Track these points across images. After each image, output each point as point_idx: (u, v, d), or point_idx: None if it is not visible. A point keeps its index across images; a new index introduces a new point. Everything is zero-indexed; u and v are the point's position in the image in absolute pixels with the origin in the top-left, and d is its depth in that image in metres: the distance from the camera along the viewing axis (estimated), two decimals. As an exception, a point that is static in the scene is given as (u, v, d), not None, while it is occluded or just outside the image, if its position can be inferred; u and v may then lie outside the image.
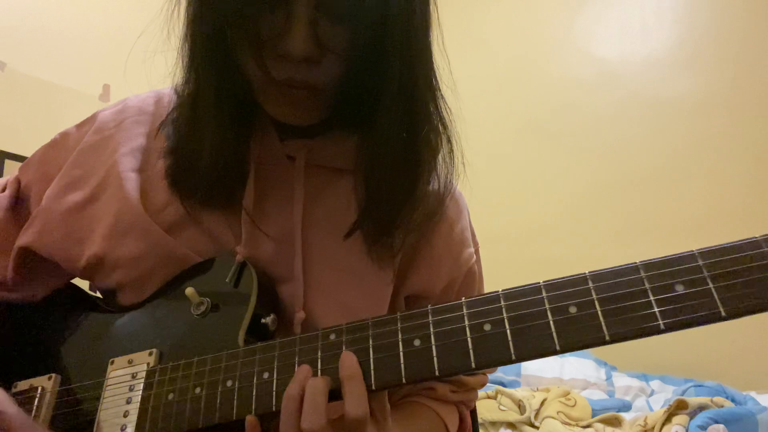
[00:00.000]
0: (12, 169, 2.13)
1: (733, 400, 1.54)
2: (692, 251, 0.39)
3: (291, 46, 0.48)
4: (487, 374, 0.73)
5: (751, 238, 0.38)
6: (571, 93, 2.64)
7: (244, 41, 0.50)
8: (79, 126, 0.67)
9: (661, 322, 0.38)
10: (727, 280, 0.37)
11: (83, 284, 0.68)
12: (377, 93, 0.53)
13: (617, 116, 2.48)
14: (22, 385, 0.59)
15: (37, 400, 0.57)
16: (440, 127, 0.58)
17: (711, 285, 0.38)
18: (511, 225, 2.60)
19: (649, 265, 0.40)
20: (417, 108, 0.55)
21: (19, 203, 0.67)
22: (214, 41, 0.52)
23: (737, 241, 0.38)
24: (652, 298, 0.39)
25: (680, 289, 0.38)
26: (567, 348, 0.40)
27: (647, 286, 0.39)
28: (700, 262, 0.39)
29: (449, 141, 0.59)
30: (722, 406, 1.43)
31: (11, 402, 0.54)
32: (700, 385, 1.61)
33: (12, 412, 0.52)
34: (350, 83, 0.53)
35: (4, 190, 0.67)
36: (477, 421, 0.77)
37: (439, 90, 0.57)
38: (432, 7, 0.55)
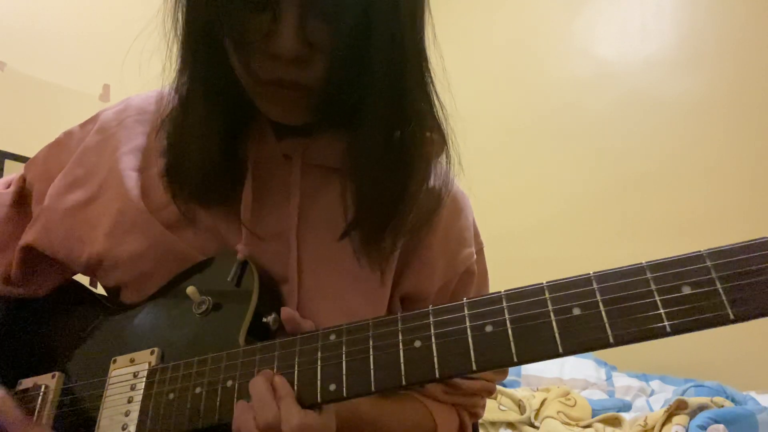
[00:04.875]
0: (12, 169, 2.13)
1: (733, 400, 1.54)
2: (700, 252, 0.38)
3: (280, 47, 0.48)
4: (495, 381, 0.71)
5: (761, 238, 0.37)
6: (571, 93, 2.64)
7: (232, 42, 0.50)
8: (83, 125, 0.68)
9: (666, 324, 0.37)
10: (736, 282, 0.36)
11: (85, 281, 0.69)
12: (366, 91, 0.53)
13: (617, 116, 2.48)
14: (26, 383, 0.59)
15: (40, 398, 0.57)
16: (434, 126, 0.58)
17: (719, 286, 0.36)
18: (510, 224, 2.60)
19: (655, 266, 0.39)
20: (405, 106, 0.54)
21: (23, 200, 0.68)
22: (204, 43, 0.52)
23: (746, 242, 0.37)
24: (657, 299, 0.38)
25: (687, 290, 0.37)
26: (570, 350, 0.39)
27: (653, 287, 0.38)
28: (708, 263, 0.37)
29: (444, 140, 0.59)
30: (722, 406, 1.43)
31: (9, 399, 0.55)
32: (700, 385, 1.61)
33: (9, 409, 0.53)
34: (340, 82, 0.52)
35: (8, 187, 0.68)
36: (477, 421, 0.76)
37: (433, 87, 0.56)
38: (424, 4, 0.54)
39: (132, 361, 0.56)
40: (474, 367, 0.42)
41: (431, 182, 0.62)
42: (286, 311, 0.52)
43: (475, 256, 0.68)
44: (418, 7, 0.54)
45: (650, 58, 2.43)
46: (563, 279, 0.42)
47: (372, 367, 0.45)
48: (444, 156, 0.60)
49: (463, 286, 0.68)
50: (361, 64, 0.51)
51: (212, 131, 0.56)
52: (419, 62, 0.55)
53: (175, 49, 0.55)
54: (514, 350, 0.41)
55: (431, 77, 0.56)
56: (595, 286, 0.40)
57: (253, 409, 0.45)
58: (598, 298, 0.40)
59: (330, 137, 0.61)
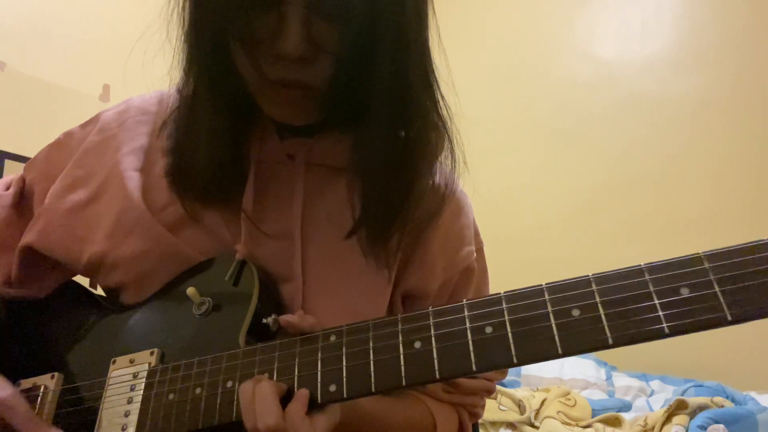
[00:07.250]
0: (12, 169, 2.13)
1: (733, 400, 1.54)
2: (698, 254, 0.38)
3: (285, 46, 0.48)
4: (495, 381, 0.72)
5: (758, 241, 0.37)
6: (571, 93, 2.64)
7: (239, 42, 0.50)
8: (83, 126, 0.68)
9: (665, 325, 0.37)
10: (733, 284, 0.36)
11: (85, 282, 0.69)
12: (370, 91, 0.53)
13: (617, 116, 2.48)
14: (26, 383, 0.59)
15: (39, 398, 0.57)
16: (439, 125, 0.58)
17: (717, 289, 0.37)
18: (510, 225, 2.60)
19: (654, 268, 0.39)
20: (410, 105, 0.54)
21: (23, 201, 0.68)
22: (210, 42, 0.52)
23: (744, 244, 0.37)
24: (656, 301, 0.38)
25: (686, 292, 0.37)
26: (569, 352, 0.39)
27: (652, 289, 0.39)
28: (707, 265, 0.38)
29: (449, 140, 0.59)
30: (722, 406, 1.43)
31: (20, 398, 0.55)
32: (700, 385, 1.62)
33: (20, 408, 0.53)
34: (345, 81, 0.52)
35: (8, 188, 0.68)
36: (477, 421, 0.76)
37: (438, 87, 0.57)
38: (428, 5, 0.55)
39: (132, 361, 0.56)
40: (474, 368, 0.42)
41: (436, 180, 0.62)
42: (285, 318, 0.52)
43: (475, 255, 0.68)
44: (423, 7, 0.54)
45: (650, 58, 2.43)
46: (563, 281, 0.42)
47: (372, 368, 0.45)
48: (448, 155, 0.60)
49: (464, 283, 0.68)
50: (366, 64, 0.51)
51: (219, 130, 0.56)
52: (424, 62, 0.55)
53: (180, 49, 0.55)
54: (513, 351, 0.41)
55: (436, 77, 0.56)
56: (594, 287, 0.40)
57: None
58: (597, 300, 0.40)
59: (334, 137, 0.61)
